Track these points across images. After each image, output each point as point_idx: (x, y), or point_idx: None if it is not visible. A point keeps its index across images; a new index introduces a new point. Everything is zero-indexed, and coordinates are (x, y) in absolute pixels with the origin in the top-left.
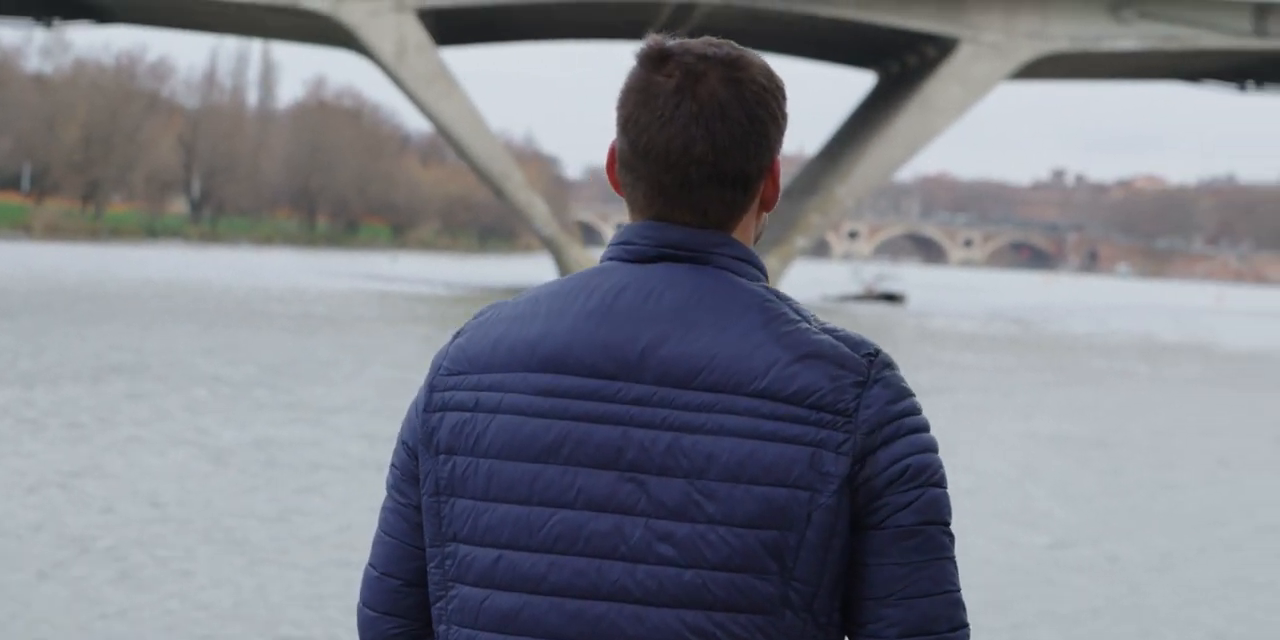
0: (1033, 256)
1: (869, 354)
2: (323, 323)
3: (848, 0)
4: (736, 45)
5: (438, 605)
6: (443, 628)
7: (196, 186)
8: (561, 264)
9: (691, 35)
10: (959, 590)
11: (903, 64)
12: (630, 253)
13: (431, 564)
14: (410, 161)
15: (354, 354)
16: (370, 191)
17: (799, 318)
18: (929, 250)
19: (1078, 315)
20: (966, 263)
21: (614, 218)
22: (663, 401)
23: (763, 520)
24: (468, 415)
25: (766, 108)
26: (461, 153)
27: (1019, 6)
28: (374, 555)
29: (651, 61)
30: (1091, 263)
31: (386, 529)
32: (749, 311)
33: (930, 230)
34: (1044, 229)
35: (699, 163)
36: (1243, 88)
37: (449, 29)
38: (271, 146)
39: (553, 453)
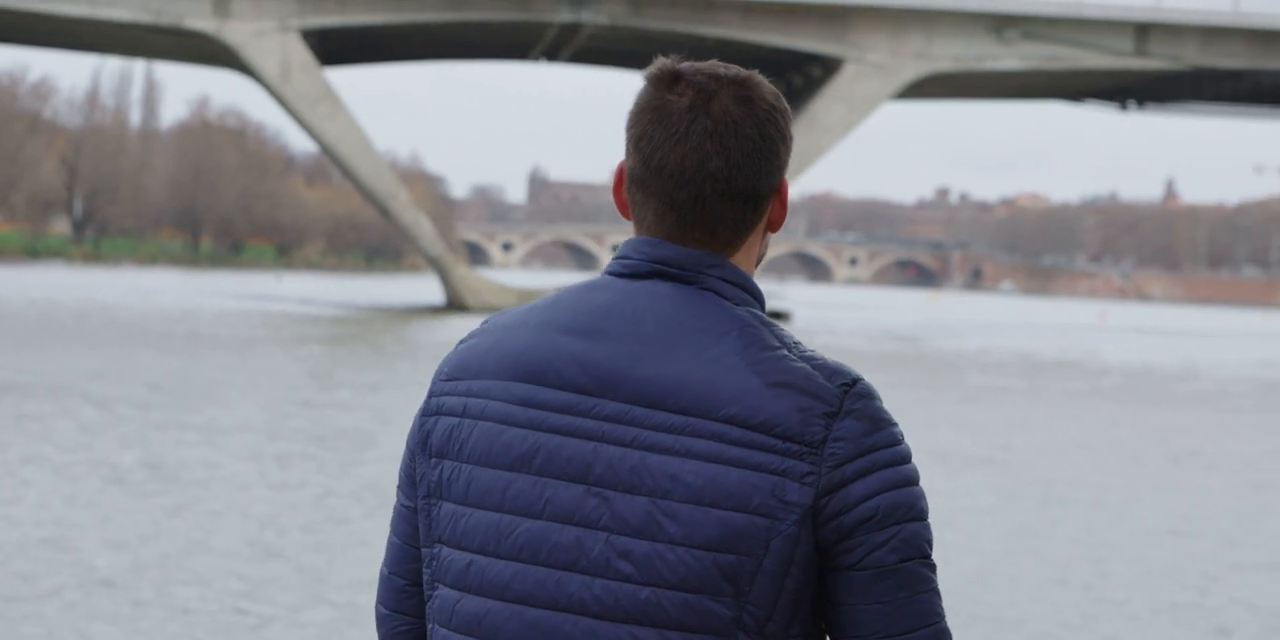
0: (918, 274)
1: (844, 384)
2: (210, 343)
3: (733, 20)
4: (743, 68)
5: (427, 604)
6: (430, 625)
7: (79, 207)
8: (448, 283)
9: (576, 55)
10: (943, 619)
11: (788, 84)
12: (625, 267)
13: (423, 564)
14: (295, 181)
15: (244, 374)
16: (255, 211)
17: (779, 344)
18: (815, 268)
19: (963, 332)
20: (852, 281)
21: (500, 237)
22: (634, 420)
23: (721, 544)
24: (457, 420)
25: (776, 127)
26: (347, 173)
27: (903, 27)
28: (385, 556)
29: (663, 81)
30: (976, 280)
31: (393, 530)
32: (727, 336)
33: (816, 248)
34: (929, 247)
35: (713, 178)
36: (1124, 107)
37: (333, 49)
38: (155, 166)
39: (526, 463)
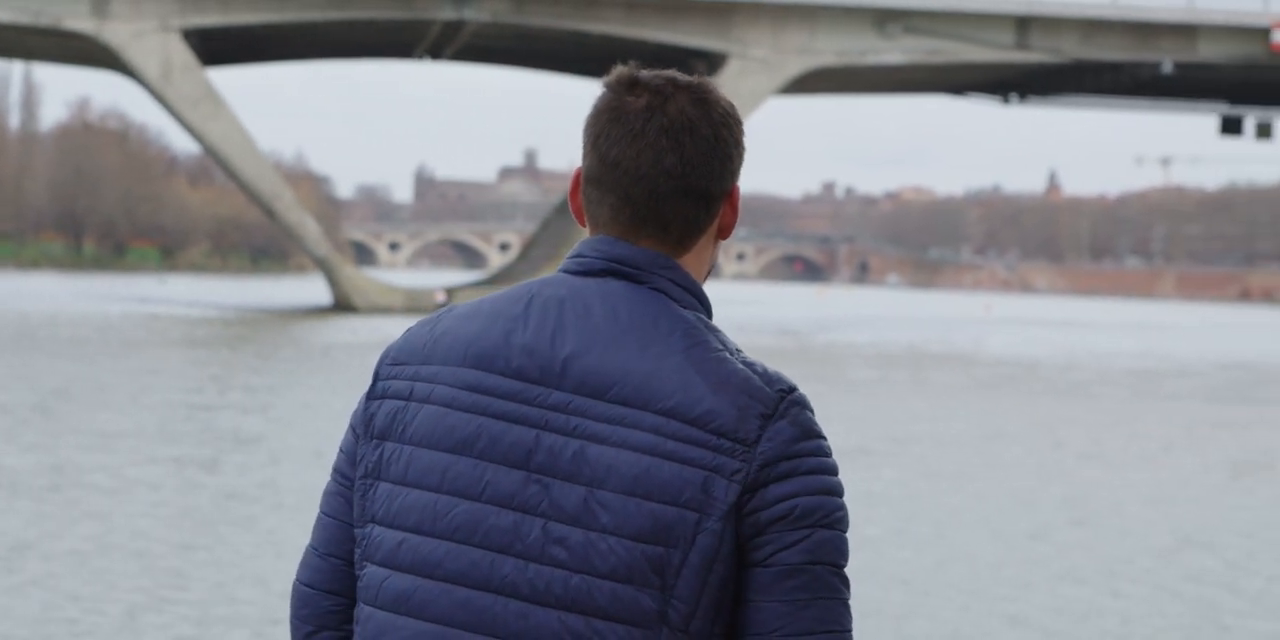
0: (805, 269)
1: (782, 390)
2: (96, 347)
3: (616, 16)
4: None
5: (358, 583)
6: (357, 604)
7: None
8: (335, 284)
9: (460, 52)
10: (847, 631)
11: None
12: (579, 265)
13: (355, 543)
14: (178, 183)
15: (132, 378)
16: (138, 213)
17: (721, 347)
18: None
19: (851, 326)
20: (740, 276)
21: (387, 236)
22: (576, 410)
23: (650, 536)
24: (402, 403)
25: (730, 131)
26: (230, 173)
27: (786, 22)
28: (315, 537)
29: (622, 85)
30: (863, 274)
31: (328, 510)
32: (673, 335)
33: None
34: (816, 241)
35: (668, 175)
36: (1006, 100)
37: (216, 49)
38: (35, 169)
39: (468, 446)
